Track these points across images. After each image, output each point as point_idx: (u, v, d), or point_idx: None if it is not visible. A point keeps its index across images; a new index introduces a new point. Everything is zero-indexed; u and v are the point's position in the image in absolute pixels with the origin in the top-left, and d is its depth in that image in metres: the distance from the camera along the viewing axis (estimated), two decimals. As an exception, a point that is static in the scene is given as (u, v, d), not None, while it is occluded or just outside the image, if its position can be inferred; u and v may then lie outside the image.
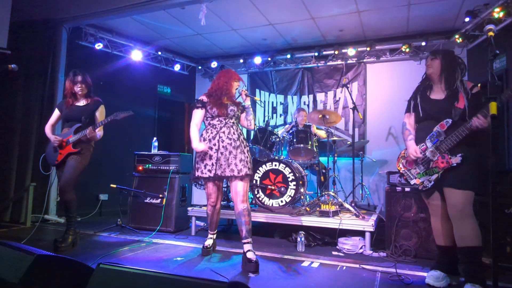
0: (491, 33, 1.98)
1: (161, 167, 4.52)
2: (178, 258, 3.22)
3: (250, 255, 2.88)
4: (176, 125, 7.41)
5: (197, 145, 3.10)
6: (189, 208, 4.38)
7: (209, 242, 3.43)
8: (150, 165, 4.58)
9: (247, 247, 2.96)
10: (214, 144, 3.12)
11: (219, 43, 6.48)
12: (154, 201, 4.40)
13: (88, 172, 3.67)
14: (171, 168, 4.45)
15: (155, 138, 4.87)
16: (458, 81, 2.52)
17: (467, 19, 4.80)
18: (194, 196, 6.32)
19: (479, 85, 2.53)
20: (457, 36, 5.27)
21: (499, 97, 2.06)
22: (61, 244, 3.32)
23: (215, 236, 3.51)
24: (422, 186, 2.59)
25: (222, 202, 4.69)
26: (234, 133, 3.18)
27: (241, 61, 6.76)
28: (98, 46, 5.73)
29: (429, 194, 2.65)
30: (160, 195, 4.36)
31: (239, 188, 3.07)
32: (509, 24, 4.45)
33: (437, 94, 2.62)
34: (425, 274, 2.70)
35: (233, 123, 3.24)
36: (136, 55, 6.18)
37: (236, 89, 3.34)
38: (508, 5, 4.32)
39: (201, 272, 2.82)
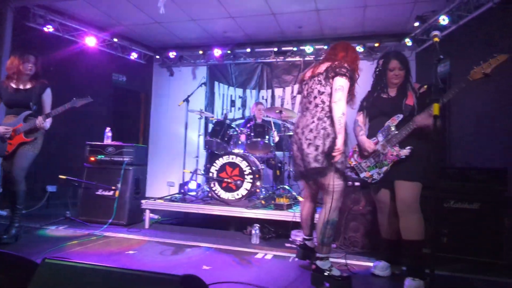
0: (436, 39, 2.12)
1: (115, 158, 4.37)
2: (131, 252, 3.16)
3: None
4: (131, 115, 7.17)
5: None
6: (143, 201, 4.29)
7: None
8: (102, 156, 4.41)
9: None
10: None
11: (178, 33, 6.33)
12: (107, 193, 4.25)
13: (35, 161, 3.46)
14: (125, 159, 4.32)
15: (108, 128, 4.69)
16: (408, 81, 2.68)
17: (416, 24, 5.10)
18: (148, 188, 6.19)
19: (425, 86, 2.72)
20: (407, 40, 5.58)
21: (441, 98, 2.24)
22: (1, 236, 3.12)
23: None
24: (372, 179, 2.71)
25: (178, 195, 4.68)
26: None
27: (201, 52, 6.68)
28: (48, 28, 5.38)
29: (377, 190, 2.79)
30: (113, 187, 4.22)
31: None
32: (453, 31, 4.78)
33: (390, 93, 2.73)
34: (371, 264, 2.87)
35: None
36: (90, 41, 5.88)
37: None
38: (453, 13, 4.64)
39: (154, 266, 2.79)
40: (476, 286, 2.62)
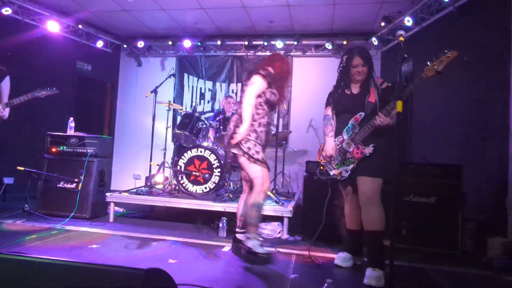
0: (401, 38, 2.18)
1: (78, 150, 4.21)
2: (94, 246, 3.07)
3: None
4: (96, 105, 6.92)
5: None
6: (108, 194, 4.18)
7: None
8: (65, 147, 4.23)
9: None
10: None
11: (147, 22, 6.17)
12: (69, 185, 4.10)
13: (-11, 152, 3.28)
14: (88, 151, 4.17)
15: (71, 118, 4.50)
16: (371, 78, 2.72)
17: (382, 24, 5.27)
18: (114, 181, 6.02)
19: (389, 84, 2.81)
20: (374, 39, 5.74)
21: (404, 93, 2.33)
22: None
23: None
24: (340, 176, 2.78)
25: (144, 188, 4.59)
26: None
27: (170, 43, 6.54)
28: (6, 11, 5.05)
29: (345, 185, 2.87)
30: (76, 180, 4.08)
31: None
32: (417, 32, 4.98)
33: (353, 89, 2.79)
34: (334, 255, 2.96)
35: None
36: (53, 26, 5.59)
37: None
38: (417, 15, 4.83)
39: (118, 260, 2.73)
40: (431, 275, 2.77)
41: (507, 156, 3.46)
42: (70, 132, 4.39)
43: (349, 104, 2.76)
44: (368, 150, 2.62)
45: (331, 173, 2.85)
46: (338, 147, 2.79)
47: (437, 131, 4.65)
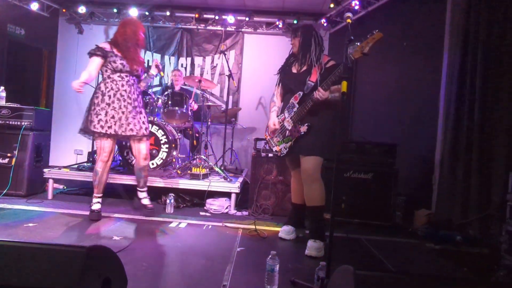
0: (349, 20, 2.23)
1: (10, 122, 3.89)
2: (30, 224, 2.92)
3: (145, 201, 3.45)
4: (31, 74, 6.34)
5: (75, 82, 2.97)
6: (46, 170, 3.94)
7: (97, 206, 3.23)
8: (-6, 120, 3.89)
9: (142, 195, 3.45)
10: (113, 102, 3.09)
11: (89, -14, 5.71)
12: (0, 161, 3.80)
13: None
14: (23, 123, 3.87)
15: (2, 88, 4.12)
16: (313, 55, 2.74)
17: (332, 5, 5.36)
18: (53, 156, 5.67)
19: (336, 63, 2.88)
20: (323, 20, 5.85)
21: (334, 74, 2.46)
22: None
23: (101, 200, 3.30)
24: (280, 152, 2.90)
25: (86, 164, 4.39)
26: (134, 93, 3.19)
27: (115, 10, 6.11)
28: None
29: (289, 160, 3.01)
30: (8, 154, 3.78)
31: (142, 147, 3.28)
32: (364, 16, 5.15)
33: (297, 68, 2.86)
34: (279, 229, 3.10)
35: (134, 81, 3.22)
36: (-25, -18, 4.97)
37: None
38: (364, -1, 4.99)
39: (58, 239, 2.63)
40: (365, 244, 3.02)
41: (435, 136, 3.80)
42: (1, 102, 4.02)
43: (291, 83, 2.84)
44: (303, 129, 2.72)
45: (273, 149, 2.98)
46: (280, 125, 2.89)
47: (376, 111, 4.95)
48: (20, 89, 6.00)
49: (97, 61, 3.11)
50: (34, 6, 5.86)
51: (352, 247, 2.96)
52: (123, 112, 3.11)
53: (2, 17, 5.62)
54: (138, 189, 3.45)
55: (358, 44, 2.30)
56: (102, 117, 3.06)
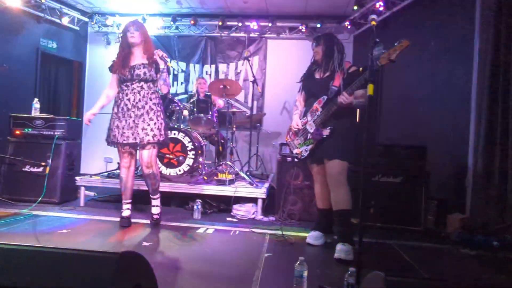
0: (373, 22, 2.20)
1: (44, 132, 4.06)
2: (64, 231, 3.02)
3: (153, 210, 3.34)
4: (63, 85, 6.61)
5: (87, 114, 3.25)
6: (78, 178, 4.08)
7: (127, 212, 3.28)
8: (30, 130, 4.06)
9: (152, 202, 3.35)
10: (118, 111, 3.12)
11: (116, -1, 5.90)
12: (35, 169, 3.96)
13: None
14: (56, 133, 4.03)
15: (36, 100, 4.31)
16: (336, 62, 2.78)
17: (355, 7, 5.29)
18: (83, 164, 5.87)
19: (360, 68, 2.88)
20: (347, 23, 5.78)
21: (359, 80, 2.45)
22: None
23: (131, 206, 3.34)
24: (300, 155, 2.91)
25: (116, 171, 4.51)
26: (141, 100, 3.09)
27: (141, 21, 6.29)
28: (-42, -18, 4.69)
29: (310, 162, 2.99)
30: (43, 163, 3.94)
31: (143, 154, 3.17)
32: (388, 17, 5.05)
33: (320, 74, 2.90)
34: (306, 234, 3.05)
35: (141, 87, 3.11)
36: (13, 0, 5.24)
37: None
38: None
39: (90, 245, 2.71)
40: (396, 250, 2.92)
41: (467, 138, 3.65)
42: (35, 113, 4.21)
43: (315, 88, 2.88)
44: (326, 132, 2.73)
45: (294, 151, 2.99)
46: (302, 127, 2.91)
47: (404, 113, 4.81)
48: (52, 100, 6.27)
49: (113, 77, 3.23)
50: (65, 20, 6.12)
51: (382, 253, 2.87)
52: (126, 121, 3.08)
53: (36, 32, 5.90)
54: (150, 195, 3.37)
55: (385, 51, 2.31)
56: (113, 127, 3.15)
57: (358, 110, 2.79)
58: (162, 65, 3.15)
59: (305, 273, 1.94)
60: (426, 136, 4.23)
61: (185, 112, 4.62)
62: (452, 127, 3.96)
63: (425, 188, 3.47)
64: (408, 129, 4.69)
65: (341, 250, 2.58)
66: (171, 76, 6.51)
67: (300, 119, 2.96)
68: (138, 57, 3.14)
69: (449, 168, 3.95)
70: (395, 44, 2.28)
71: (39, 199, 3.80)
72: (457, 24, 3.98)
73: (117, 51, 3.21)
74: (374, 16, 2.24)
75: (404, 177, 3.52)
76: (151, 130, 3.09)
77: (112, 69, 3.20)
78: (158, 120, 3.15)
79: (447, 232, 3.37)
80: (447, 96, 4.07)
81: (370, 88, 2.07)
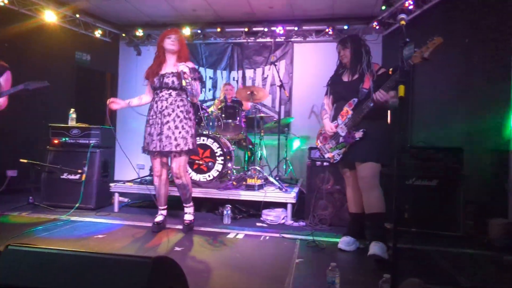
0: (403, 22, 2.15)
1: (80, 141, 4.23)
2: (100, 236, 3.12)
3: (186, 216, 3.40)
4: (96, 96, 6.89)
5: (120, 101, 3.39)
6: (112, 184, 4.21)
7: (159, 218, 3.36)
8: (67, 139, 4.25)
9: (185, 209, 3.41)
10: (149, 119, 3.19)
11: (146, 10, 6.10)
12: (72, 177, 4.13)
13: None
14: (91, 142, 4.20)
15: (72, 110, 4.51)
16: (364, 64, 2.75)
17: (383, 7, 5.18)
18: (116, 171, 6.06)
19: (390, 69, 2.82)
20: (375, 23, 5.67)
21: (391, 80, 2.41)
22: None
23: (165, 212, 3.43)
24: (333, 159, 2.86)
25: (148, 177, 4.62)
26: (168, 107, 3.11)
27: (169, 31, 6.46)
28: (2, 1, 5.01)
29: (342, 166, 2.94)
30: (79, 171, 4.11)
31: (173, 164, 3.17)
32: (418, 15, 4.90)
33: (348, 77, 2.85)
34: (338, 240, 2.98)
35: (170, 95, 3.13)
36: (50, 16, 5.54)
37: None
38: (418, -3, 4.76)
39: (125, 249, 2.78)
40: (433, 256, 2.80)
41: (508, 139, 3.45)
42: (72, 123, 4.40)
43: (344, 91, 2.83)
44: (358, 134, 2.68)
45: (326, 156, 2.95)
46: (333, 131, 2.86)
47: (439, 114, 4.63)
48: (88, 110, 6.52)
49: (148, 84, 3.28)
50: (98, 33, 6.41)
51: (418, 259, 2.75)
52: (155, 128, 3.12)
53: (71, 46, 6.20)
54: (182, 203, 3.41)
55: (417, 49, 2.25)
56: (145, 134, 3.23)
57: (389, 112, 2.71)
58: (183, 82, 2.98)
59: (337, 280, 1.89)
60: (462, 138, 4.06)
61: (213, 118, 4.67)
62: (490, 128, 3.77)
63: (463, 192, 3.31)
64: (444, 131, 4.51)
65: (375, 246, 2.51)
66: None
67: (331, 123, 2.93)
68: (170, 65, 3.19)
69: (488, 170, 3.75)
70: (427, 41, 2.21)
71: (76, 205, 3.96)
72: (493, 19, 3.79)
73: (153, 59, 3.28)
74: (403, 16, 2.18)
75: (440, 180, 3.38)
76: (175, 139, 3.07)
77: (145, 76, 3.28)
78: (184, 128, 3.10)
79: (489, 238, 3.19)
80: (484, 95, 3.88)
81: (401, 89, 2.02)
